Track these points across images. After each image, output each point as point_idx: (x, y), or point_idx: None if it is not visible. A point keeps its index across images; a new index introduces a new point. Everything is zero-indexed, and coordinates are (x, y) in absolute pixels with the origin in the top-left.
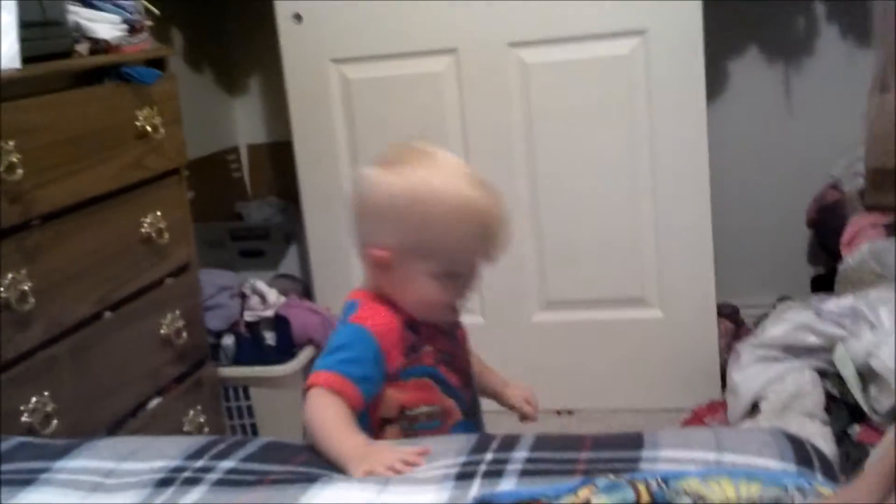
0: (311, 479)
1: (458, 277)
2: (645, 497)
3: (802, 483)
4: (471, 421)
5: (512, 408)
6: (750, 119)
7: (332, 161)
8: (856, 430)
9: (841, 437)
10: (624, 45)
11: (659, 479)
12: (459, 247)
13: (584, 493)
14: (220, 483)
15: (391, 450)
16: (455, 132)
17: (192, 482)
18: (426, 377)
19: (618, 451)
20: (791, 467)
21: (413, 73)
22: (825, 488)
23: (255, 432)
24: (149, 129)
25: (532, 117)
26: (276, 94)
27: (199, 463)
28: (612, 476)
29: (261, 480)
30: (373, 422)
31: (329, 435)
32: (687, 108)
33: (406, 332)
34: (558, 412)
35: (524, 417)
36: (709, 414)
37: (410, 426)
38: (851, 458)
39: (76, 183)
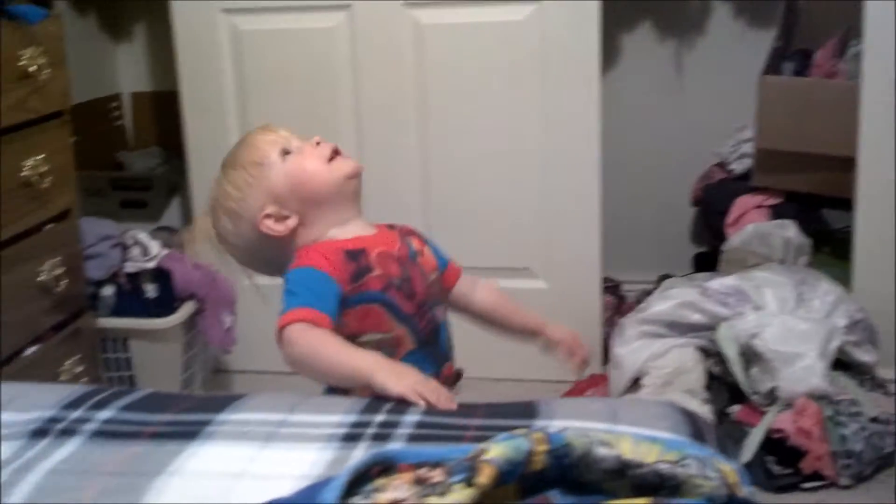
0: (190, 434)
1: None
2: (541, 445)
3: (702, 454)
4: (426, 351)
5: (556, 346)
6: (640, 94)
7: (219, 113)
8: (735, 409)
9: (720, 417)
10: (520, 10)
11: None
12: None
13: (481, 445)
14: (97, 434)
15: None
16: (346, 90)
17: (68, 433)
18: (374, 303)
19: (511, 419)
20: (686, 441)
21: (305, 28)
22: (725, 464)
23: (132, 384)
24: (32, 69)
25: (425, 79)
26: (163, 41)
27: (76, 413)
28: None
29: (139, 433)
30: None
31: (339, 355)
32: (580, 79)
33: (346, 261)
34: None
35: (572, 358)
36: (590, 387)
37: None
38: (732, 437)
39: None
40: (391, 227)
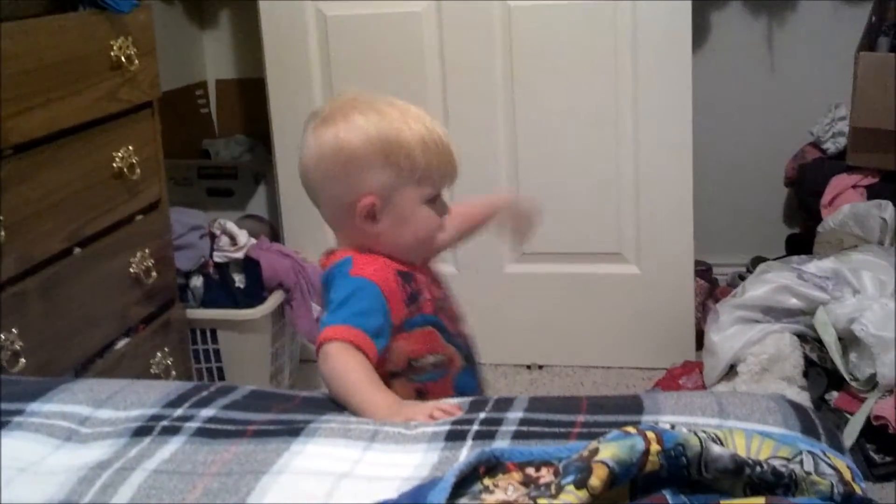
0: (293, 432)
1: (437, 201)
2: (655, 445)
3: (816, 450)
4: (470, 367)
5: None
6: (730, 73)
7: (305, 100)
8: (833, 395)
9: (818, 403)
10: None
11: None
12: (436, 165)
13: (592, 444)
14: (200, 433)
15: (426, 403)
16: (434, 76)
17: (171, 431)
18: (429, 326)
19: (616, 415)
20: (797, 436)
21: (392, 13)
22: (839, 459)
23: (221, 376)
24: (123, 59)
25: (513, 62)
26: (247, 28)
27: (178, 411)
28: None
29: (242, 431)
30: (381, 376)
31: (359, 391)
32: (672, 59)
33: (402, 282)
34: (528, 367)
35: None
36: (683, 374)
37: (417, 378)
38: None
39: (49, 113)
40: None
